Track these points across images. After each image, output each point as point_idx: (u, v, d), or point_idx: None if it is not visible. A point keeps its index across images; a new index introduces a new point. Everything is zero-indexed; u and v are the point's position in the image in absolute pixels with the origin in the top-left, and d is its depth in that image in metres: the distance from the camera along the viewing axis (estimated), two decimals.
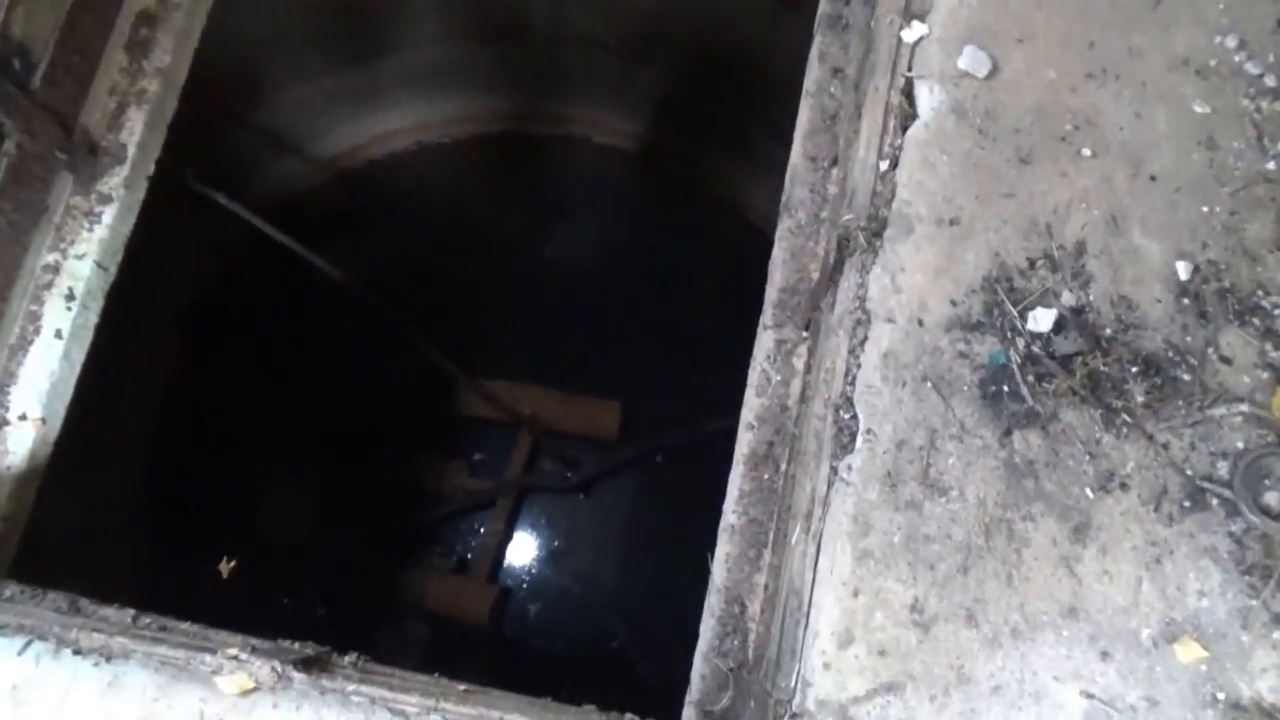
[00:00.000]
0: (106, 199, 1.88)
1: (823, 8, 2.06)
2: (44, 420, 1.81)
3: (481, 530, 5.26)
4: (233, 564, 2.75)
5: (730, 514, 1.81)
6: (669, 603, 4.69)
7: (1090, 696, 1.33)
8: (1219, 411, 1.43)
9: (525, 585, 5.25)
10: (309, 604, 4.70)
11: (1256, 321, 1.46)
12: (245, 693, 1.32)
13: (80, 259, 1.85)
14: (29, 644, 1.34)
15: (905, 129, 1.55)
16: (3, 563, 1.76)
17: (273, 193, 4.75)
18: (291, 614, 4.63)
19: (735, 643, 1.75)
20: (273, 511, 4.57)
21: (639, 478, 5.36)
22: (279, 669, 1.33)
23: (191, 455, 4.56)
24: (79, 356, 1.88)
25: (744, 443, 1.85)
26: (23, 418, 1.79)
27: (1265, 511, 1.38)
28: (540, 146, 5.58)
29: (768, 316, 1.91)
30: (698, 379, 5.23)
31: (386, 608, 4.92)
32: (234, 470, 4.57)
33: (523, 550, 5.28)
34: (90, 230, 1.86)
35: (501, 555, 5.20)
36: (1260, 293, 1.47)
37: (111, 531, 4.29)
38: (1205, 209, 1.50)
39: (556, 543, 5.33)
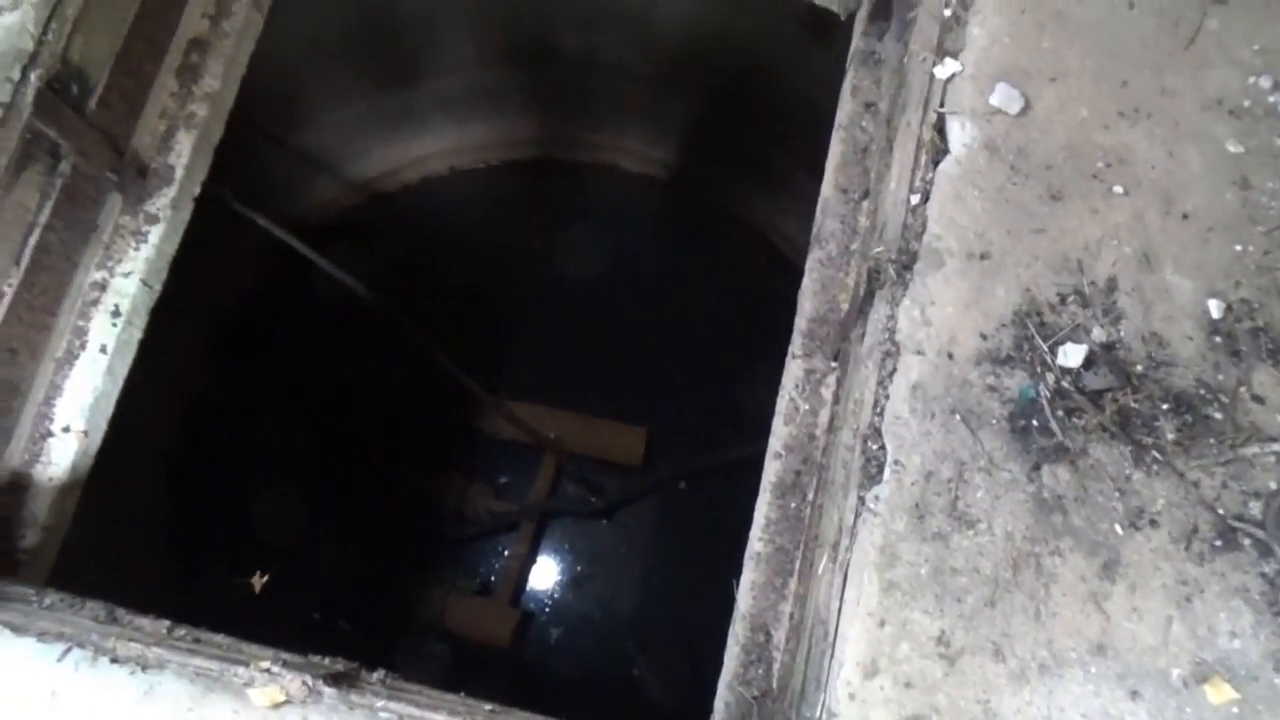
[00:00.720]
0: (154, 219, 1.93)
1: (855, 44, 2.09)
2: (86, 433, 1.85)
3: (505, 552, 5.27)
4: (265, 578, 2.78)
5: (756, 541, 1.82)
6: (690, 631, 4.68)
7: None
8: (1251, 451, 1.42)
9: (547, 609, 5.26)
10: (331, 619, 4.72)
11: None
12: (276, 705, 1.34)
13: (127, 277, 1.90)
14: (68, 651, 1.37)
15: (937, 164, 1.57)
16: (42, 571, 1.79)
17: (306, 212, 4.84)
18: (314, 629, 4.66)
19: (759, 671, 1.75)
20: (295, 526, 4.62)
21: (663, 504, 5.36)
22: (310, 683, 1.35)
23: (215, 470, 4.62)
24: (121, 371, 1.92)
25: (771, 471, 1.86)
26: (66, 430, 1.84)
27: None
28: (570, 172, 5.65)
29: (797, 346, 1.92)
30: (724, 405, 5.25)
31: (408, 626, 4.93)
32: (257, 486, 4.62)
33: (545, 574, 5.29)
34: (137, 249, 1.92)
35: (524, 578, 5.21)
36: None
37: (132, 543, 4.34)
38: (1238, 248, 1.51)
39: (579, 567, 5.34)
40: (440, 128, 5.18)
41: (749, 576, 1.81)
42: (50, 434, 1.83)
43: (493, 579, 5.23)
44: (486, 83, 5.00)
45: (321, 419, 4.80)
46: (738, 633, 1.79)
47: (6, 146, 1.54)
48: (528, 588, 5.23)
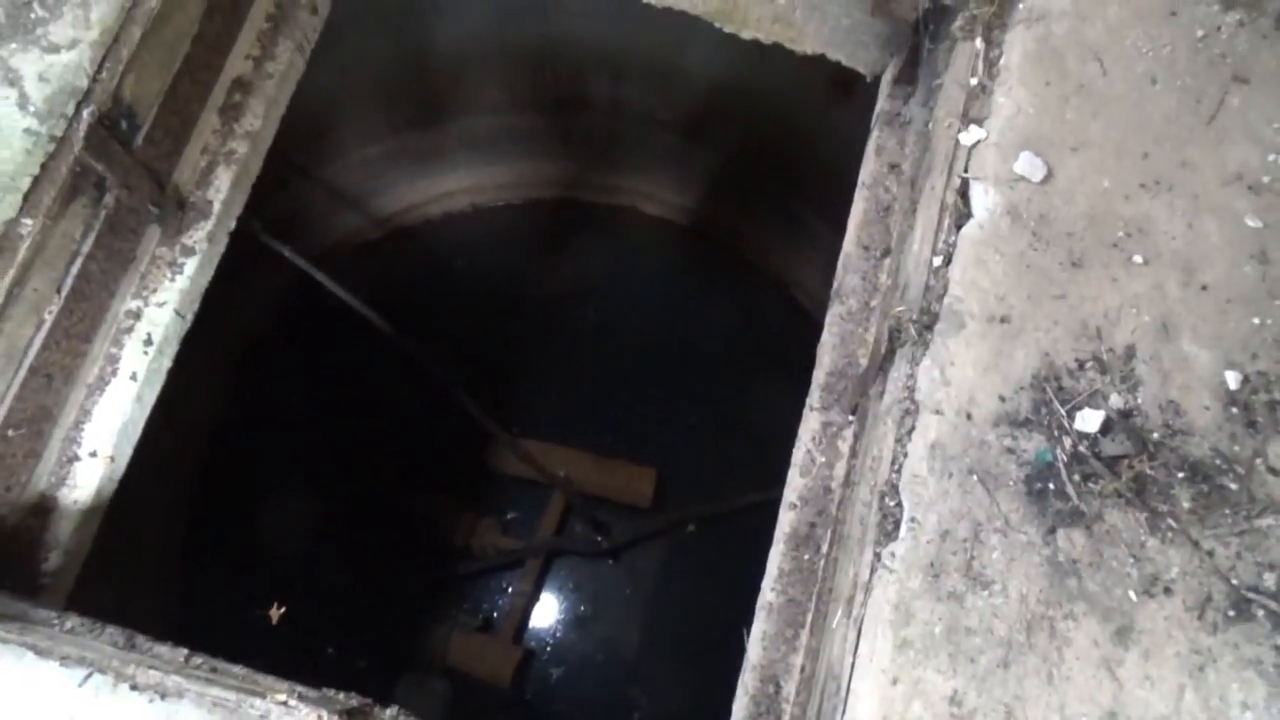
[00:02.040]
0: (190, 251, 1.98)
1: (881, 105, 2.14)
2: (113, 458, 1.89)
3: (509, 589, 5.26)
4: (282, 610, 2.79)
5: (769, 592, 1.83)
6: (693, 676, 4.65)
7: None
8: (1267, 522, 1.44)
9: (549, 648, 5.23)
10: (346, 653, 4.72)
11: None
12: None
13: (160, 306, 1.94)
14: (89, 677, 1.39)
15: (959, 227, 1.60)
16: (62, 594, 1.82)
17: (329, 244, 4.91)
18: (325, 660, 4.65)
19: None
20: (306, 556, 4.62)
21: (670, 546, 5.35)
22: (325, 718, 1.36)
23: (232, 498, 4.65)
24: (150, 399, 1.96)
25: (785, 522, 1.87)
26: (93, 454, 1.87)
27: None
28: (592, 214, 5.72)
29: (815, 399, 1.94)
30: (735, 450, 5.25)
31: (410, 660, 4.92)
32: (272, 515, 4.63)
33: (549, 612, 5.27)
34: (172, 280, 1.96)
35: (528, 616, 5.19)
36: None
37: (149, 569, 4.36)
38: (1256, 320, 1.53)
39: (583, 607, 5.32)
40: (465, 166, 5.27)
41: (760, 627, 1.82)
42: (77, 458, 1.86)
43: (496, 615, 5.21)
44: (513, 125, 5.10)
45: (337, 450, 4.83)
46: (747, 683, 1.79)
47: (57, 179, 1.59)
48: (531, 626, 5.21)
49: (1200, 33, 1.68)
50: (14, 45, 1.64)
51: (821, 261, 4.90)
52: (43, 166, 1.58)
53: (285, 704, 1.37)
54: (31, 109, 1.59)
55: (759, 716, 1.77)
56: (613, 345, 5.47)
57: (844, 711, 1.38)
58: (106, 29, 1.65)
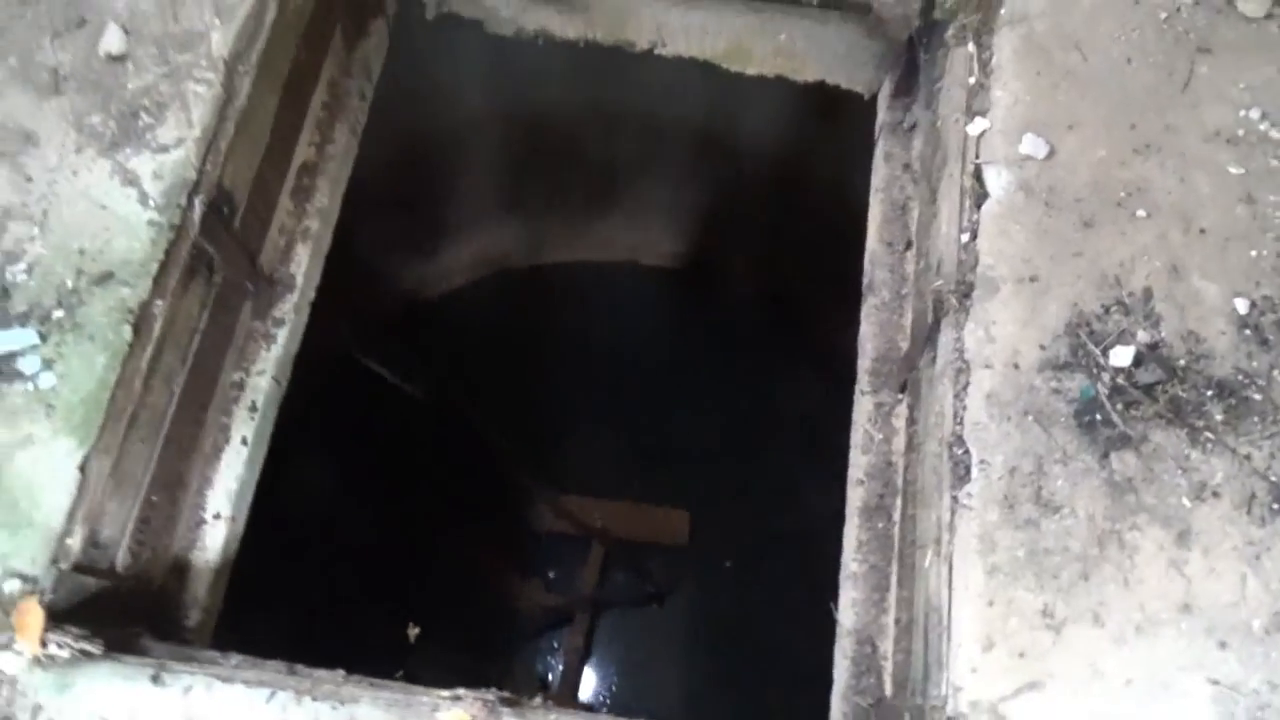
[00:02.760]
0: (280, 322, 2.17)
1: (882, 117, 2.37)
2: (234, 518, 2.05)
3: (558, 647, 5.34)
4: (417, 630, 2.91)
5: (851, 562, 1.99)
6: (754, 700, 4.72)
7: (1215, 683, 1.48)
8: None
9: (606, 702, 5.29)
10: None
11: None
12: None
13: (260, 375, 2.12)
14: (273, 695, 1.53)
15: (979, 206, 1.81)
16: (204, 645, 1.96)
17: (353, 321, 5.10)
18: None
19: (871, 680, 1.90)
20: (351, 634, 4.69)
21: (710, 582, 5.46)
22: (490, 704, 1.51)
23: (269, 562, 4.71)
24: (259, 460, 2.13)
25: (856, 497, 2.04)
26: (217, 517, 2.03)
27: None
28: (594, 271, 5.94)
29: (864, 383, 2.13)
30: (762, 482, 5.40)
31: None
32: (310, 585, 4.69)
33: (603, 665, 5.34)
34: (268, 350, 2.15)
35: (581, 671, 5.26)
36: None
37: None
38: (1253, 253, 1.74)
39: (637, 654, 5.40)
40: (471, 236, 5.50)
41: (849, 595, 1.97)
42: (204, 521, 2.02)
43: (550, 676, 5.28)
44: (515, 190, 5.34)
45: (375, 522, 4.93)
46: (845, 647, 1.94)
47: (179, 261, 1.79)
48: (586, 679, 5.28)
49: (1163, 15, 1.92)
50: (129, 150, 1.84)
51: (820, 287, 5.13)
52: (167, 252, 1.77)
53: (456, 696, 1.52)
54: (151, 203, 1.79)
55: (861, 675, 1.91)
56: (632, 394, 5.62)
57: (949, 638, 1.54)
58: (207, 126, 1.86)
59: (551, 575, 5.53)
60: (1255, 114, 1.83)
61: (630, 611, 5.48)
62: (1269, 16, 1.92)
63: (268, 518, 2.19)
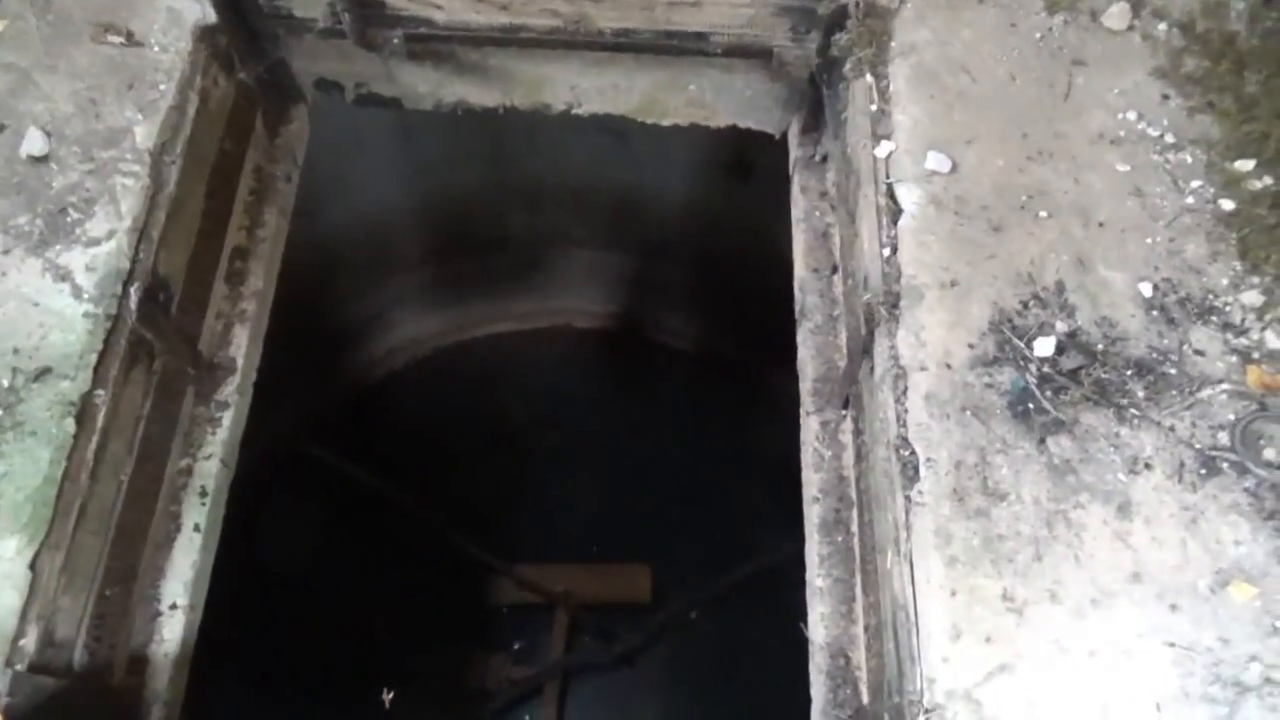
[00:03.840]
0: (224, 405, 2.16)
1: (794, 153, 2.49)
2: (192, 607, 2.00)
3: None
4: (391, 694, 2.82)
5: (816, 578, 2.03)
6: None
7: (1173, 645, 1.55)
8: (1206, 393, 1.73)
9: None
10: None
11: (1214, 319, 1.79)
12: None
13: (208, 459, 2.10)
14: None
15: (896, 222, 1.91)
16: None
17: (295, 411, 5.05)
18: None
19: (848, 692, 1.93)
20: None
21: (678, 639, 5.42)
22: None
23: (231, 663, 4.55)
24: (213, 547, 2.10)
25: (813, 514, 2.09)
26: (174, 607, 1.98)
27: (1269, 465, 1.66)
28: (529, 339, 5.99)
29: (808, 404, 2.20)
30: (716, 529, 5.43)
31: None
32: (271, 686, 4.54)
33: None
34: (214, 434, 2.13)
35: None
36: (1210, 296, 1.81)
37: None
38: (1149, 241, 1.86)
39: (613, 718, 5.31)
40: (405, 321, 5.52)
41: (817, 610, 2.01)
42: (160, 612, 1.97)
43: None
44: (441, 274, 5.39)
45: (338, 613, 4.81)
46: (819, 663, 1.97)
47: (118, 350, 1.78)
48: None
49: (1038, 35, 2.07)
50: (59, 247, 1.84)
51: (743, 335, 5.26)
52: (105, 342, 1.77)
53: None
54: (86, 296, 1.79)
55: (837, 689, 1.94)
56: (578, 458, 5.63)
57: (918, 632, 1.58)
58: (137, 216, 1.88)
59: (517, 647, 5.44)
60: (1132, 115, 1.98)
61: (600, 676, 5.40)
62: (1130, 28, 2.09)
63: (228, 603, 2.15)
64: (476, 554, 5.06)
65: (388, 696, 2.92)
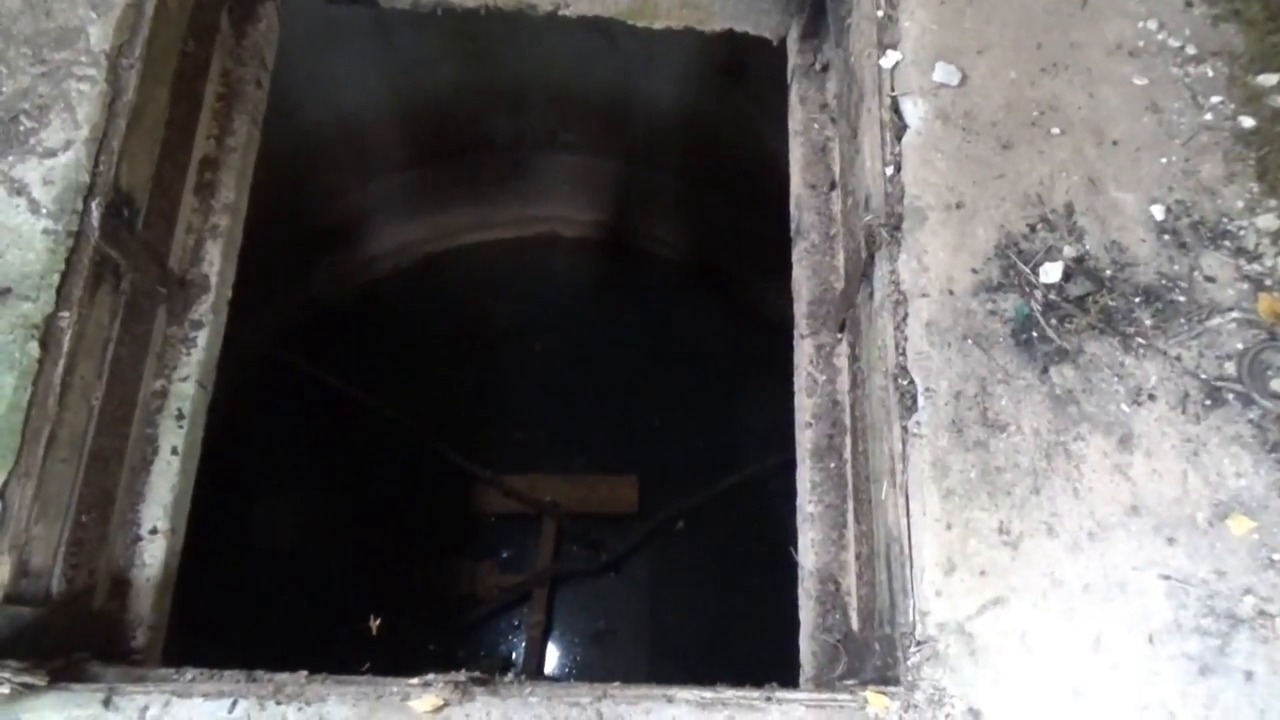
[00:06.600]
0: (198, 325, 2.08)
1: (793, 60, 2.36)
2: (173, 531, 1.96)
3: (519, 625, 5.32)
4: (379, 621, 2.85)
5: (807, 504, 2.01)
6: (720, 653, 4.78)
7: (1168, 578, 1.53)
8: (1215, 322, 1.67)
9: (571, 672, 5.30)
10: None
11: (1228, 243, 1.72)
12: (437, 709, 1.47)
13: (184, 381, 2.03)
14: (235, 704, 1.48)
15: (900, 138, 1.82)
16: (155, 664, 1.88)
17: (277, 316, 4.96)
18: None
19: (837, 617, 1.92)
20: (303, 630, 4.58)
21: (665, 547, 5.49)
22: (462, 685, 1.48)
23: (213, 569, 4.58)
24: (192, 469, 2.05)
25: (806, 440, 2.05)
26: (154, 531, 1.94)
27: (1275, 396, 1.62)
28: (515, 247, 5.86)
29: (803, 327, 2.14)
30: (702, 441, 5.45)
31: None
32: (259, 589, 4.58)
33: (566, 636, 5.35)
34: (188, 354, 2.06)
35: (545, 646, 5.26)
36: (1225, 220, 1.74)
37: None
38: (1164, 160, 1.78)
39: (598, 623, 5.41)
40: (387, 226, 5.37)
41: (808, 536, 1.99)
42: (140, 537, 1.93)
43: (514, 655, 5.27)
44: (423, 178, 5.23)
45: (325, 520, 4.83)
46: (809, 588, 1.96)
47: (81, 270, 1.69)
48: (550, 652, 5.28)
49: None
50: (12, 158, 1.73)
51: (730, 239, 5.17)
52: (67, 261, 1.67)
53: (426, 684, 1.48)
54: (44, 211, 1.69)
55: (826, 613, 1.93)
56: (564, 368, 5.60)
57: (911, 564, 1.56)
58: (95, 125, 1.76)
59: (505, 556, 5.50)
60: (1153, 24, 1.87)
61: (587, 582, 5.48)
62: None
63: (206, 526, 2.11)
64: (463, 464, 5.05)
65: (375, 624, 2.93)
